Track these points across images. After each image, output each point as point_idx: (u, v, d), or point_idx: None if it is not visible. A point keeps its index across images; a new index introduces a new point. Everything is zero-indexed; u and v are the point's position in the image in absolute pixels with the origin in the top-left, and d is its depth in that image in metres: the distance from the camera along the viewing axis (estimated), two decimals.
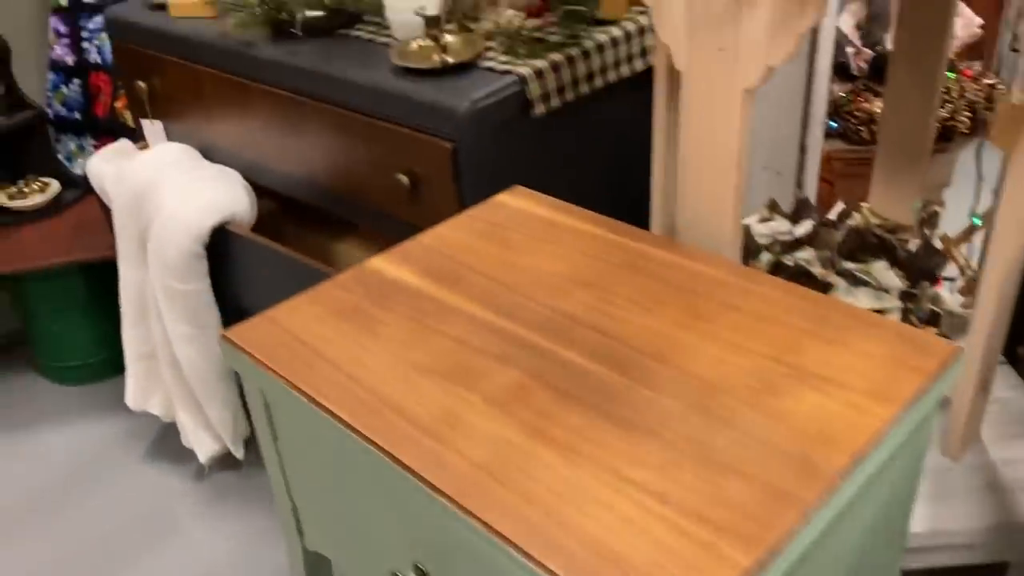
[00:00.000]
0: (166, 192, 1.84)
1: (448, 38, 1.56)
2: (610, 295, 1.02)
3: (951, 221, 1.59)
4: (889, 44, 2.11)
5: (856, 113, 1.74)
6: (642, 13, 1.70)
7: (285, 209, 2.13)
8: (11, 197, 2.40)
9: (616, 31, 1.63)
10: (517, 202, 1.27)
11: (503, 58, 1.56)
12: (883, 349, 0.90)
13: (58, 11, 2.44)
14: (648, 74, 1.70)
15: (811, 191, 1.79)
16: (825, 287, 1.34)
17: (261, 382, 1.00)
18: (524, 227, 1.19)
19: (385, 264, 1.13)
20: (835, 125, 1.80)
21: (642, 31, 1.67)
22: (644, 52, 1.68)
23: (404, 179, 1.54)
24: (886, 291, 1.34)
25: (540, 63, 1.51)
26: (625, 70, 1.65)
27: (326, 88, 1.64)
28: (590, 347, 0.94)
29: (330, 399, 0.90)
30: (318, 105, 1.66)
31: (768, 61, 0.98)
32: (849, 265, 1.37)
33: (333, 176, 1.73)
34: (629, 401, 0.86)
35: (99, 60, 2.44)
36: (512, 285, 1.06)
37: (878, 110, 1.75)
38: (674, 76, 1.39)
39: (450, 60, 1.51)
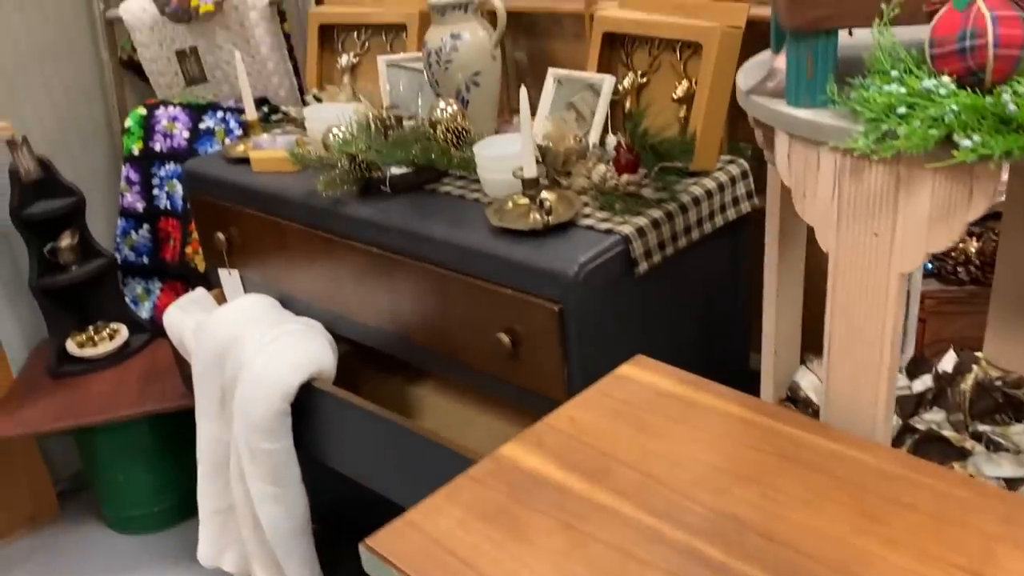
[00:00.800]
0: (251, 348, 1.82)
1: (545, 196, 1.55)
2: (772, 491, 0.97)
3: None
4: None
5: (952, 254, 1.71)
6: (731, 162, 1.70)
7: (360, 351, 2.10)
8: (81, 345, 2.40)
9: (709, 183, 1.62)
10: (643, 375, 1.23)
11: (600, 215, 1.55)
12: None
13: (130, 159, 2.49)
14: (738, 222, 1.70)
15: (911, 332, 1.75)
16: (962, 453, 1.28)
17: None
18: (658, 406, 1.15)
19: (521, 452, 1.09)
20: (930, 266, 1.77)
21: (733, 181, 1.66)
22: (736, 201, 1.67)
23: (505, 339, 1.51)
24: None
25: (640, 221, 1.50)
26: (719, 220, 1.64)
27: (421, 247, 1.63)
28: (766, 559, 0.88)
29: None
30: (412, 263, 1.66)
31: (928, 248, 0.95)
32: (983, 428, 1.31)
33: (426, 332, 1.71)
34: None
35: (168, 206, 2.47)
36: (662, 479, 1.01)
37: (973, 250, 1.73)
38: (785, 240, 1.38)
39: (551, 221, 1.50)
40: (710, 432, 1.08)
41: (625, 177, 1.59)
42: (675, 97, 1.70)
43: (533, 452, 1.09)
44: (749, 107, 1.10)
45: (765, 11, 1.61)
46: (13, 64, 2.41)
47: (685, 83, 1.69)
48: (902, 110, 0.86)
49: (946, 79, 0.86)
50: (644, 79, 1.79)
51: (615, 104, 1.82)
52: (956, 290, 1.80)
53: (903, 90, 0.87)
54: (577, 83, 1.85)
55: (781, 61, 1.07)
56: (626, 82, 1.80)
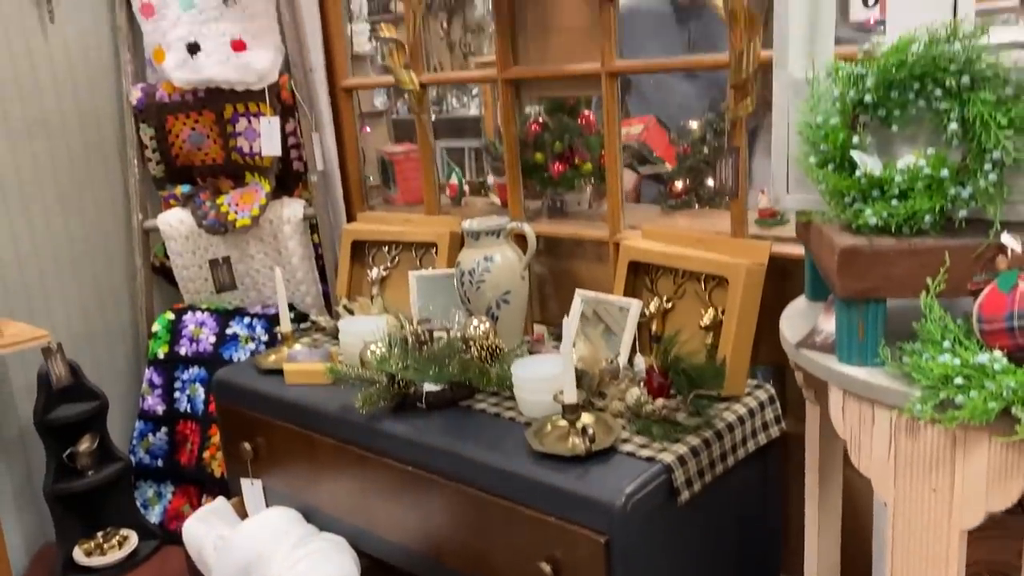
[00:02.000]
0: (275, 569, 1.79)
1: (585, 420, 1.59)
2: None
3: None
4: None
5: None
6: (758, 387, 1.76)
7: (381, 567, 2.06)
8: (88, 553, 2.33)
9: (740, 409, 1.68)
10: None
11: (638, 439, 1.59)
12: None
13: (155, 363, 2.53)
14: (767, 447, 1.74)
15: None
16: None
17: None
18: None
19: None
20: None
21: (762, 406, 1.72)
22: (765, 426, 1.72)
23: (547, 568, 1.50)
24: None
25: (680, 448, 1.54)
26: (751, 446, 1.68)
27: (458, 468, 1.64)
28: None
29: None
30: (448, 483, 1.67)
31: (988, 507, 0.99)
32: None
33: (458, 555, 1.69)
34: None
35: (189, 409, 2.48)
36: None
37: None
38: (824, 473, 1.41)
39: (593, 448, 1.53)
40: None
41: (660, 402, 1.64)
42: (702, 325, 1.78)
43: None
44: (800, 360, 1.17)
45: (781, 248, 1.74)
46: (52, 267, 2.50)
47: (711, 312, 1.78)
48: (959, 381, 0.93)
49: (998, 354, 0.93)
50: (669, 304, 1.89)
51: (641, 326, 1.90)
52: None
53: (957, 361, 0.94)
54: (605, 306, 1.94)
55: (825, 320, 1.15)
56: (652, 306, 1.89)
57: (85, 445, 2.33)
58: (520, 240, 2.09)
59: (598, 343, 1.87)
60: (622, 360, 1.85)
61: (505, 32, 2.12)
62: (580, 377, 1.71)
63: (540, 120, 2.22)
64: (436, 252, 2.26)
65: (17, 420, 2.42)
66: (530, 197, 2.29)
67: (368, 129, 2.97)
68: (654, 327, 1.91)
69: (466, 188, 2.53)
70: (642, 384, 1.70)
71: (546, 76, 2.11)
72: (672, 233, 1.92)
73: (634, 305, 1.88)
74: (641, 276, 1.95)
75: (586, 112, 2.21)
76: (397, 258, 2.36)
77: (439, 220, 2.31)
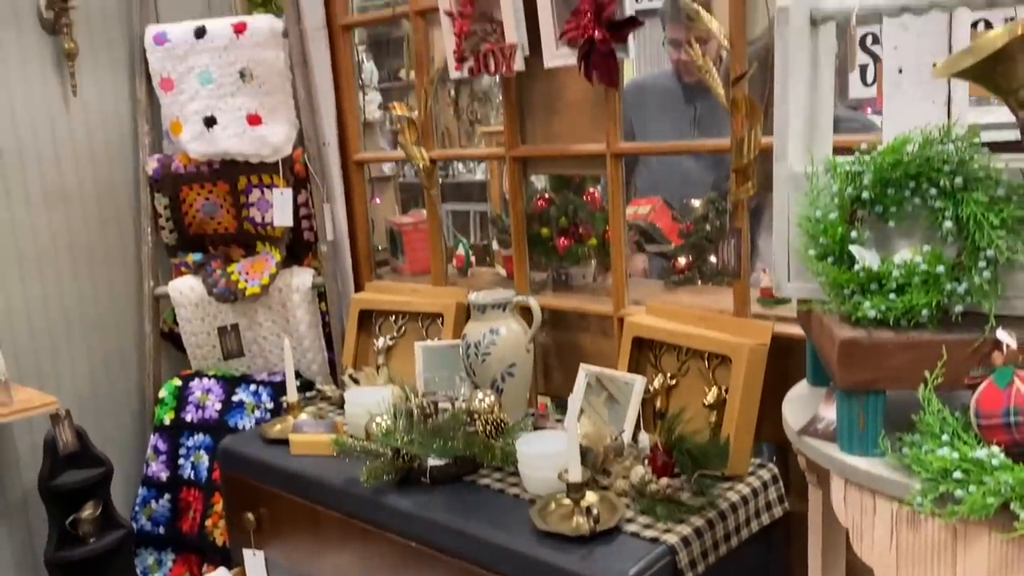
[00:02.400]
0: None
1: (590, 499, 1.60)
2: None
3: None
4: None
5: None
6: (761, 467, 1.77)
7: None
8: None
9: (744, 488, 1.68)
10: None
11: (642, 519, 1.59)
12: None
13: (160, 429, 2.54)
14: (770, 527, 1.74)
15: None
16: None
17: None
18: None
19: None
20: None
21: (765, 486, 1.73)
22: (769, 506, 1.72)
23: None
24: None
25: (684, 529, 1.54)
26: (755, 526, 1.68)
27: (462, 545, 1.65)
28: None
29: None
30: (451, 560, 1.66)
31: None
32: None
33: None
34: None
35: (192, 476, 2.49)
36: None
37: None
38: (829, 559, 1.42)
39: (597, 528, 1.54)
40: None
41: (664, 481, 1.65)
42: (706, 403, 1.80)
43: None
44: (803, 447, 1.18)
45: (784, 327, 1.76)
46: (64, 333, 2.53)
47: (715, 390, 1.79)
48: (958, 475, 0.95)
49: (996, 449, 0.95)
50: (673, 381, 1.91)
51: (645, 401, 1.92)
52: None
53: (956, 455, 0.96)
54: (609, 381, 1.96)
55: (826, 408, 1.17)
56: (656, 383, 1.91)
57: (88, 512, 2.33)
58: (526, 313, 2.12)
59: (602, 417, 1.88)
60: (626, 436, 1.86)
61: (513, 112, 2.18)
62: (584, 454, 1.73)
63: (547, 196, 2.28)
64: (442, 323, 2.29)
65: (21, 484, 2.42)
66: (535, 268, 2.33)
67: (378, 200, 3.04)
68: (658, 403, 1.92)
69: (472, 259, 2.57)
70: (646, 462, 1.72)
71: (553, 155, 2.16)
72: (676, 310, 1.95)
73: (638, 382, 1.90)
74: (645, 352, 1.97)
75: (592, 189, 2.26)
76: (404, 328, 2.39)
77: (446, 291, 2.35)
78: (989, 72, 1.00)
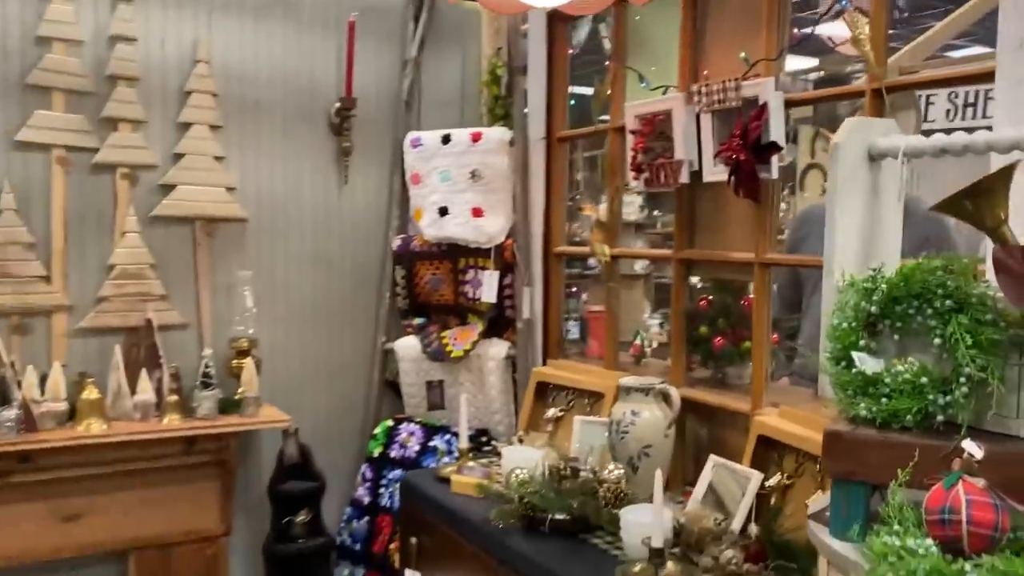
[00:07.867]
0: None
1: (670, 568, 1.76)
2: None
3: None
4: None
5: None
6: None
7: None
8: None
9: None
10: None
11: None
12: None
13: (370, 460, 3.03)
14: None
15: None
16: None
17: None
18: None
19: None
20: None
21: None
22: None
23: None
24: None
25: None
26: None
27: None
28: None
29: None
30: None
31: None
32: None
33: None
34: None
35: (388, 504, 2.92)
36: None
37: None
38: None
39: None
40: None
41: (747, 566, 1.76)
42: (807, 504, 1.88)
43: None
44: (808, 529, 1.31)
45: None
46: (312, 371, 3.14)
47: (818, 494, 1.87)
48: (892, 559, 1.06)
49: (930, 542, 1.05)
50: (789, 481, 2.00)
51: (763, 496, 2.03)
52: None
53: (897, 543, 1.07)
54: (730, 472, 2.09)
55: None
56: (773, 480, 2.02)
57: (301, 517, 2.84)
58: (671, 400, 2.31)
59: (724, 504, 2.02)
60: (735, 525, 1.98)
61: (683, 222, 2.43)
62: (680, 530, 1.89)
63: (708, 297, 2.47)
64: (603, 402, 2.55)
65: (260, 486, 3.00)
66: (702, 367, 2.51)
67: (585, 296, 3.38)
68: (773, 500, 2.02)
69: (647, 350, 2.81)
70: (741, 549, 1.84)
71: (712, 259, 2.38)
72: (806, 416, 2.04)
73: (754, 477, 2.02)
74: (770, 451, 2.08)
75: (749, 296, 2.42)
76: (572, 402, 2.68)
77: (611, 374, 2.60)
78: (976, 208, 1.12)
